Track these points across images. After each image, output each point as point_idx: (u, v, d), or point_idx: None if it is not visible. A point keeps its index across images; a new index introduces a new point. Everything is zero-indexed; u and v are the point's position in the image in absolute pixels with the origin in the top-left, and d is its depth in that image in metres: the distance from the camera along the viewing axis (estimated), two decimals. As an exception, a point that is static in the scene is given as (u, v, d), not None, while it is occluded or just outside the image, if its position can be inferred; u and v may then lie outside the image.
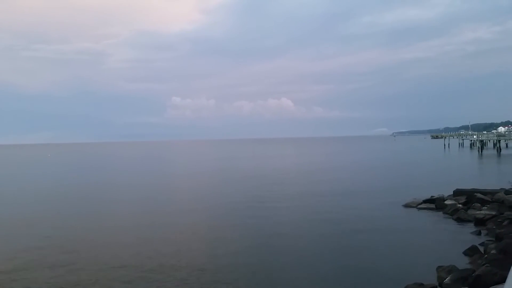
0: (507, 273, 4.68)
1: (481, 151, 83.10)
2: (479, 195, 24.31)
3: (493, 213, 20.37)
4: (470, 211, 22.02)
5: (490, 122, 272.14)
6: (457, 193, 25.99)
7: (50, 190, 39.41)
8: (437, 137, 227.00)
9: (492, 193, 24.39)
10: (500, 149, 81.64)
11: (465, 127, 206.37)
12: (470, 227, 19.47)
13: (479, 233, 18.15)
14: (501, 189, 25.95)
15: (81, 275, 13.94)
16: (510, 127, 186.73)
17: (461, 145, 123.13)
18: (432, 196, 26.36)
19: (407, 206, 25.61)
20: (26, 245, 18.16)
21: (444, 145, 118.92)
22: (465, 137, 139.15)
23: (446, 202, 24.69)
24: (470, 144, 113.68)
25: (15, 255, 16.64)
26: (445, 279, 11.77)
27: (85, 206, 29.41)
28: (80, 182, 47.20)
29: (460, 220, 20.98)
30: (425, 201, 25.72)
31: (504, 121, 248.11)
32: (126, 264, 15.07)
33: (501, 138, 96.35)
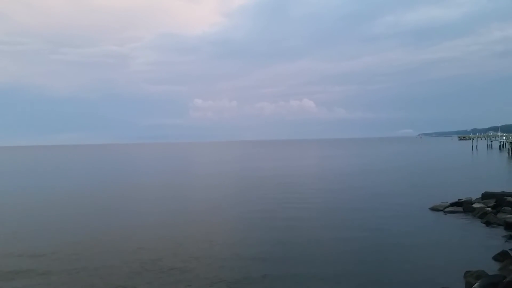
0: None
1: (511, 153, 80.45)
2: (509, 198, 23.49)
3: (525, 217, 19.66)
4: (500, 215, 21.29)
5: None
6: (486, 196, 25.23)
7: (77, 188, 40.42)
8: (464, 139, 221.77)
9: (523, 196, 23.56)
10: (532, 151, 78.88)
11: (494, 128, 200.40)
12: (500, 232, 18.83)
13: (509, 238, 17.49)
14: (533, 192, 25.01)
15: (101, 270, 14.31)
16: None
17: (490, 146, 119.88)
18: (459, 199, 25.68)
19: (433, 209, 25.01)
20: (58, 239, 18.81)
21: (472, 146, 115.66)
22: (494, 138, 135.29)
23: (474, 205, 23.95)
24: (499, 145, 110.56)
25: (43, 247, 17.28)
26: (473, 285, 11.42)
27: (107, 204, 30.07)
28: (104, 181, 48.26)
29: (489, 224, 20.34)
30: (452, 204, 25.06)
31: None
32: (147, 259, 15.36)
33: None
